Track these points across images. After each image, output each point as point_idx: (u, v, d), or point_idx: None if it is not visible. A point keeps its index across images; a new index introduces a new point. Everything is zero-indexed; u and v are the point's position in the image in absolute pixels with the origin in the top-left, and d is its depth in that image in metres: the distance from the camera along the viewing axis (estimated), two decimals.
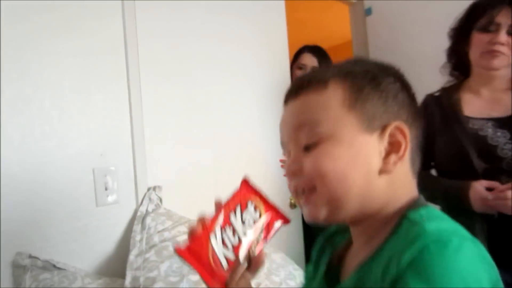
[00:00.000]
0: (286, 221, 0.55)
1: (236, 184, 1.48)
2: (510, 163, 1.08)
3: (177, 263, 1.17)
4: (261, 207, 0.53)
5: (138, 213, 1.32)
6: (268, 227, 0.52)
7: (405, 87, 0.55)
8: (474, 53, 1.17)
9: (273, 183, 1.72)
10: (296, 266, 1.33)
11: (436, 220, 0.45)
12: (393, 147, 0.50)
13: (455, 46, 1.25)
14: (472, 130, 1.14)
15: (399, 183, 0.51)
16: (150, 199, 1.35)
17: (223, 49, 1.66)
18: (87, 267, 1.25)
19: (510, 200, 1.01)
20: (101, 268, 1.28)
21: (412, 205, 0.50)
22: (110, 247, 1.30)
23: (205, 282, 0.49)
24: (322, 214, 0.51)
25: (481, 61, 1.15)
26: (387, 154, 0.50)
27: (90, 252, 1.26)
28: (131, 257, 1.22)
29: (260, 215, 0.52)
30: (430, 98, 1.28)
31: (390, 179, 0.50)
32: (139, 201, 1.35)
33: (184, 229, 1.29)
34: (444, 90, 1.27)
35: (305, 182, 0.51)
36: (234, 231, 0.49)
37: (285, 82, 1.85)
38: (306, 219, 0.53)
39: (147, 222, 1.29)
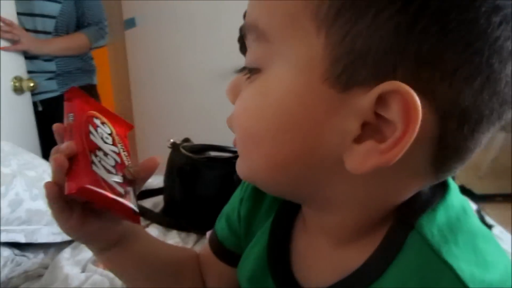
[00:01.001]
0: (130, 127, 0.47)
1: None
2: None
3: None
4: (104, 118, 0.43)
5: None
6: (120, 137, 0.44)
7: None
8: None
9: None
10: (32, 155, 1.10)
11: (465, 246, 0.28)
12: (385, 128, 0.25)
13: None
14: None
15: (392, 183, 0.29)
16: None
17: None
18: None
19: None
20: None
21: (417, 203, 0.30)
22: None
23: (120, 215, 0.40)
24: (242, 175, 0.33)
25: None
26: (368, 136, 0.25)
27: None
28: None
29: (109, 128, 0.43)
30: None
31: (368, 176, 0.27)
32: None
33: None
34: None
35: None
36: (104, 152, 0.39)
37: None
38: None
39: None
